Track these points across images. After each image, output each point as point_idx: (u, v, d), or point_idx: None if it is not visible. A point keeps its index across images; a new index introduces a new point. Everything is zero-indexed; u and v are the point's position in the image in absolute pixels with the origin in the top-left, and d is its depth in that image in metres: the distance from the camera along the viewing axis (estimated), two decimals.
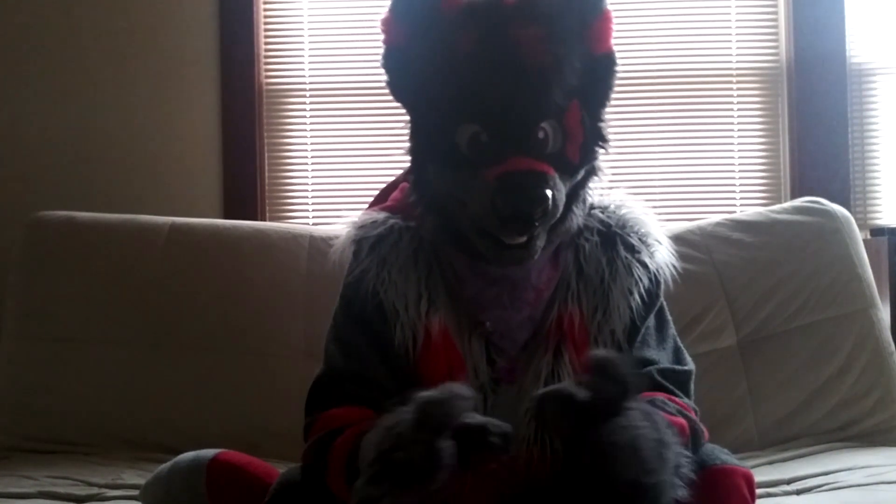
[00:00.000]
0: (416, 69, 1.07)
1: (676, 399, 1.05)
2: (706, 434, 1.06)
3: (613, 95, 1.11)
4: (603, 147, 1.10)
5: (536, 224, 0.99)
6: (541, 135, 1.02)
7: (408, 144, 1.11)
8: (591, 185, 1.11)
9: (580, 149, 1.05)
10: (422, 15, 1.06)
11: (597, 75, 1.08)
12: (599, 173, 1.12)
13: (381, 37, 1.10)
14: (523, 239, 1.02)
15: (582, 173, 1.07)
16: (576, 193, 1.09)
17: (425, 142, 1.09)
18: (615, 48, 1.09)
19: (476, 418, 0.88)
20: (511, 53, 1.01)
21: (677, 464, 0.91)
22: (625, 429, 0.84)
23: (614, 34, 1.09)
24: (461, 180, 1.03)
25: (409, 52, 1.08)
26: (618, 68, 1.09)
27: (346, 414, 1.04)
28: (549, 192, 0.98)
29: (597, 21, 1.06)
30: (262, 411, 1.69)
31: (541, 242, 1.04)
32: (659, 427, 0.88)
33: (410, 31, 1.07)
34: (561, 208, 1.03)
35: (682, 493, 0.91)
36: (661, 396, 1.04)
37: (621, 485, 0.83)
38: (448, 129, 1.04)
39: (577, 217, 1.10)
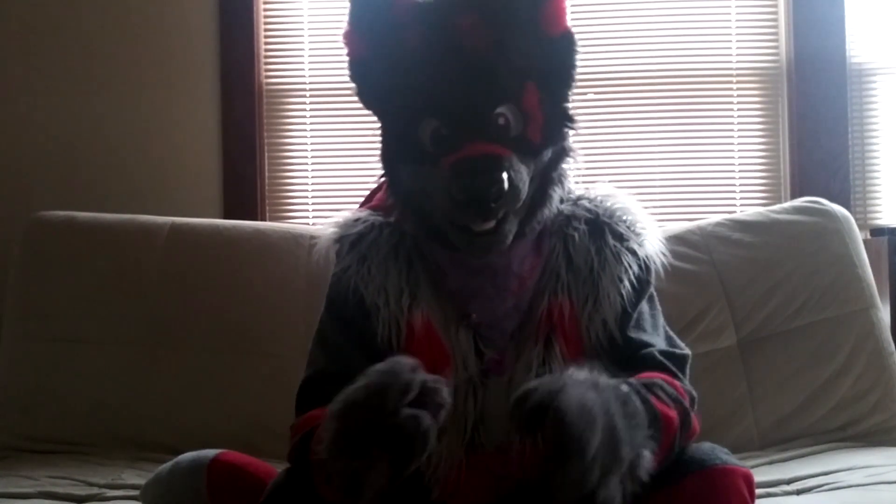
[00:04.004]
0: (378, 75, 1.10)
1: (676, 383, 1.04)
2: (696, 424, 1.05)
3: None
4: (570, 128, 1.11)
5: (493, 205, 0.99)
6: (501, 121, 1.03)
7: (379, 149, 1.13)
8: (564, 166, 1.11)
9: (541, 130, 1.05)
10: (377, 22, 1.09)
11: (556, 56, 1.08)
12: (572, 154, 1.12)
13: (345, 50, 1.12)
14: (490, 225, 1.01)
15: (549, 154, 1.07)
16: (548, 175, 1.09)
17: (394, 143, 1.10)
18: (572, 28, 1.09)
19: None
20: (453, 43, 1.03)
21: (636, 448, 0.88)
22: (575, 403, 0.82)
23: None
24: (425, 174, 1.04)
25: (370, 60, 1.10)
26: (577, 48, 1.10)
27: (323, 414, 1.03)
28: (503, 174, 0.98)
29: (548, 2, 1.07)
30: (263, 411, 1.69)
31: (510, 227, 1.03)
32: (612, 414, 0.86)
33: (369, 39, 1.10)
34: (524, 189, 1.02)
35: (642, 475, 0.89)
36: (660, 378, 1.03)
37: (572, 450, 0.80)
38: (411, 127, 1.05)
39: (555, 201, 1.11)
